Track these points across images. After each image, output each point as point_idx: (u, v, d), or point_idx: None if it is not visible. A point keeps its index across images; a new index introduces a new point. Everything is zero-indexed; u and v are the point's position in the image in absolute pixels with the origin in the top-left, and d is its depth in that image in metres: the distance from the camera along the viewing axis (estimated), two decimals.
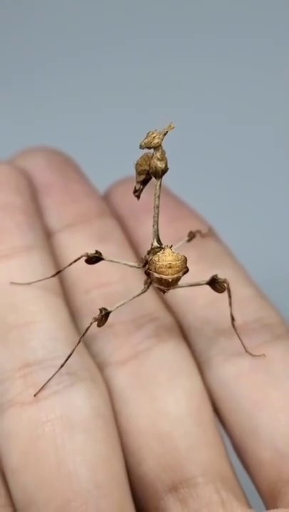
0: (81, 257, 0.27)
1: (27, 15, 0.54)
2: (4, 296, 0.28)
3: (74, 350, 0.26)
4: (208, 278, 0.27)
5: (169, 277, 0.25)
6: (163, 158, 0.25)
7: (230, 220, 0.41)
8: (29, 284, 0.28)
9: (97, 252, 0.27)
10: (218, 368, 0.28)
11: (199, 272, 0.29)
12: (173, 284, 0.25)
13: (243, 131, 0.51)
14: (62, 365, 0.26)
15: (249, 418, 0.27)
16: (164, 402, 0.27)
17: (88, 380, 0.26)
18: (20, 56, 0.54)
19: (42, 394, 0.25)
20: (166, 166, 0.26)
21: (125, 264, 0.27)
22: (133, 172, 0.27)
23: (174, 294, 0.30)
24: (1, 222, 0.30)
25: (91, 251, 0.27)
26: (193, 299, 0.30)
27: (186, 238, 0.29)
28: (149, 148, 0.25)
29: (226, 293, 0.27)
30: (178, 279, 0.25)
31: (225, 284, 0.27)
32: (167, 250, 0.25)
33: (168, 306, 0.30)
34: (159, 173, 0.26)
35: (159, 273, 0.25)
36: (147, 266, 0.26)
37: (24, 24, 0.54)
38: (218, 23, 0.54)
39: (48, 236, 0.31)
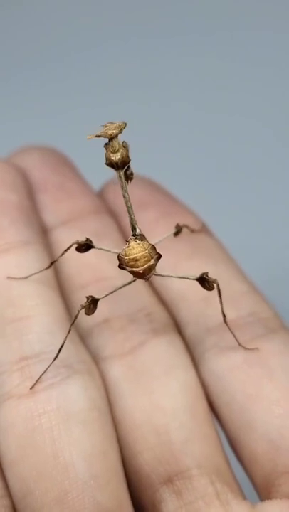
0: (72, 244, 0.27)
1: (23, 14, 0.54)
2: (1, 291, 0.28)
3: (66, 339, 0.26)
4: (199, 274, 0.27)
5: (140, 269, 0.25)
6: (117, 151, 0.25)
7: (225, 217, 0.41)
8: (25, 278, 0.28)
9: (87, 239, 0.27)
10: (212, 361, 0.28)
11: (193, 267, 0.30)
12: (147, 273, 0.26)
13: (239, 129, 0.51)
14: (56, 356, 0.26)
15: (243, 411, 0.27)
16: (160, 395, 0.27)
17: (84, 372, 0.27)
18: (16, 55, 0.54)
19: (39, 386, 0.26)
20: (122, 158, 0.25)
21: (115, 252, 0.28)
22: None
23: (169, 290, 0.30)
24: None
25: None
26: (188, 294, 0.30)
27: (173, 231, 0.29)
28: (106, 137, 0.25)
29: (221, 289, 0.28)
30: (150, 267, 0.26)
31: (214, 284, 0.27)
32: (132, 243, 0.25)
33: (163, 301, 0.30)
34: (115, 166, 0.26)
35: (129, 267, 0.25)
36: (118, 261, 0.26)
37: (18, 23, 0.54)
38: (218, 23, 0.54)
39: (44, 232, 0.31)
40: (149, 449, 0.26)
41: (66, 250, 0.28)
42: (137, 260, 0.25)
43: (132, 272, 0.26)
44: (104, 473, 0.25)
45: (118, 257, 0.26)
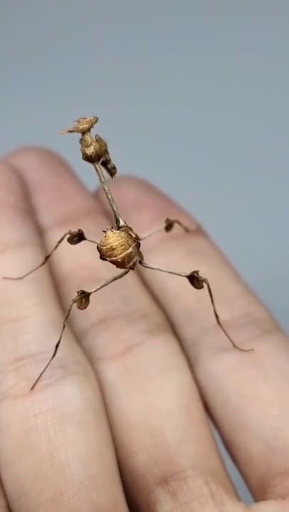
0: (65, 235, 0.28)
1: (23, 14, 0.54)
2: None
3: (61, 335, 0.26)
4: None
5: (118, 258, 0.25)
6: (90, 145, 0.26)
7: (223, 218, 0.41)
8: (21, 278, 0.28)
9: (80, 230, 0.28)
10: (207, 362, 0.28)
11: (187, 267, 0.30)
12: (127, 262, 0.26)
13: (238, 129, 0.51)
14: (54, 354, 0.26)
15: (238, 412, 0.27)
16: (155, 396, 0.27)
17: (80, 373, 0.27)
18: (14, 56, 0.54)
19: (34, 386, 0.26)
20: (95, 151, 0.26)
21: None
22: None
23: (164, 291, 0.30)
24: None
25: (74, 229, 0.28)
26: (183, 295, 0.30)
27: (164, 225, 0.29)
28: (79, 132, 0.26)
29: (217, 290, 0.28)
30: (129, 255, 0.26)
31: (204, 283, 0.27)
32: (108, 233, 0.26)
33: (158, 303, 0.30)
34: (90, 159, 0.26)
35: (108, 257, 0.26)
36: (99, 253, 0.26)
37: (17, 24, 0.54)
38: (218, 22, 0.54)
39: (40, 233, 0.31)
40: (144, 449, 0.26)
41: (60, 242, 0.28)
42: (113, 249, 0.25)
43: (112, 262, 0.26)
44: (99, 473, 0.25)
45: (97, 247, 0.26)
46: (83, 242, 0.28)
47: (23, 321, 0.27)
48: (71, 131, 0.26)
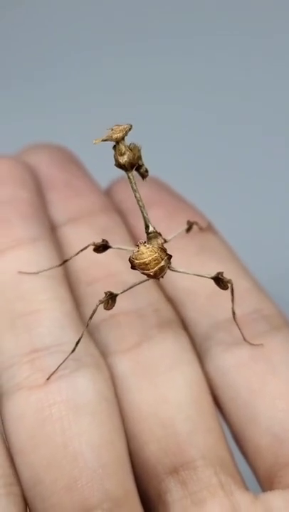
0: (88, 246, 0.28)
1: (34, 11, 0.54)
2: (12, 285, 0.29)
3: (83, 334, 0.27)
4: (208, 270, 0.28)
5: (151, 272, 0.26)
6: (123, 154, 0.26)
7: (231, 215, 0.41)
8: (37, 273, 0.29)
9: (103, 240, 0.28)
10: (218, 357, 0.29)
11: (199, 264, 0.30)
12: (158, 274, 0.26)
13: (245, 127, 0.52)
14: (73, 350, 0.27)
15: (248, 405, 0.28)
16: (166, 389, 0.28)
17: (93, 365, 0.27)
18: (26, 54, 0.54)
19: (48, 378, 0.26)
20: (129, 160, 0.26)
21: (132, 250, 0.28)
22: None
23: (175, 287, 0.31)
24: (8, 214, 0.31)
25: (98, 240, 0.28)
26: (193, 291, 0.31)
27: (185, 227, 0.30)
28: (112, 141, 0.26)
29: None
30: (161, 268, 0.26)
31: (229, 284, 0.28)
32: (141, 248, 0.26)
33: (169, 298, 0.31)
34: (123, 167, 0.26)
35: (141, 270, 0.26)
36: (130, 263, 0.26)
37: (38, 21, 0.55)
38: (218, 22, 0.55)
39: (52, 229, 0.32)
40: (155, 440, 0.27)
41: (82, 250, 0.28)
42: (147, 264, 0.26)
43: (143, 274, 0.26)
44: (112, 462, 0.25)
45: (129, 259, 0.26)
46: (96, 239, 0.29)
47: (38, 314, 0.28)
48: (105, 140, 0.26)
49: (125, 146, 0.26)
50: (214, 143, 0.51)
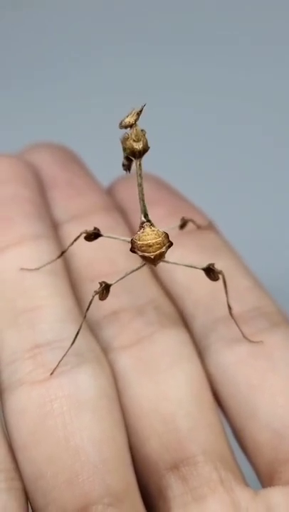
0: (81, 234, 0.28)
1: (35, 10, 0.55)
2: (14, 282, 0.29)
3: (82, 324, 0.27)
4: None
5: (152, 255, 0.26)
6: (139, 139, 0.26)
7: (232, 212, 0.42)
8: (37, 269, 0.29)
9: (95, 228, 0.28)
10: (218, 354, 0.29)
11: (199, 261, 0.31)
12: (157, 259, 0.26)
13: (242, 128, 0.52)
14: (72, 343, 0.27)
15: (247, 402, 0.28)
16: (166, 384, 0.28)
17: (94, 361, 0.27)
18: (26, 53, 0.55)
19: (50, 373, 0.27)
20: (144, 146, 0.26)
21: (123, 240, 0.28)
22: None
23: (175, 283, 0.31)
24: (10, 212, 0.31)
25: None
26: (193, 288, 0.31)
27: (179, 223, 0.30)
28: (125, 128, 0.26)
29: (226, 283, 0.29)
30: (161, 254, 0.26)
31: (219, 275, 0.28)
32: (147, 229, 0.26)
33: (169, 295, 0.31)
34: (136, 154, 0.26)
35: (142, 252, 0.26)
36: (131, 245, 0.26)
37: (41, 22, 0.55)
38: (218, 22, 0.55)
39: (54, 227, 0.32)
40: (156, 436, 0.27)
41: (75, 240, 0.29)
42: (150, 246, 0.26)
43: (142, 257, 0.26)
44: (113, 457, 0.26)
45: (131, 240, 0.26)
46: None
47: (40, 310, 0.28)
48: (126, 127, 0.25)
49: (140, 132, 0.26)
50: (214, 143, 0.51)
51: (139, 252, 0.26)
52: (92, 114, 0.49)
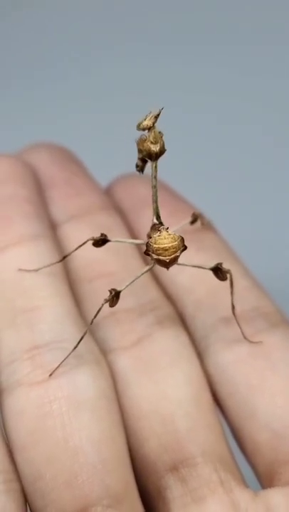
0: (87, 240, 0.28)
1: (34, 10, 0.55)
2: (13, 282, 0.29)
3: (86, 332, 0.27)
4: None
5: (167, 258, 0.26)
6: (156, 142, 0.26)
7: (231, 215, 0.41)
8: (37, 270, 0.29)
9: (102, 234, 0.28)
10: (217, 354, 0.29)
11: (198, 262, 0.31)
12: (171, 263, 0.26)
13: (241, 128, 0.52)
14: (76, 347, 0.27)
15: (247, 402, 0.28)
16: (165, 385, 0.28)
17: (93, 362, 0.27)
18: (26, 53, 0.55)
19: (48, 374, 0.26)
20: (160, 148, 0.26)
21: (131, 242, 0.28)
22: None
23: (174, 284, 0.31)
24: (9, 212, 0.31)
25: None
26: (193, 289, 0.31)
27: (190, 219, 0.30)
28: (143, 130, 0.26)
29: (226, 283, 0.29)
30: (176, 258, 0.26)
31: (227, 275, 0.28)
32: (163, 233, 0.26)
33: (168, 296, 0.31)
34: (153, 156, 0.26)
35: (157, 255, 0.26)
36: (146, 248, 0.26)
37: (35, 23, 0.55)
38: (218, 22, 0.55)
39: (53, 227, 0.32)
40: (155, 437, 0.27)
41: (81, 245, 0.28)
42: (166, 250, 0.26)
43: (157, 260, 0.26)
44: (112, 458, 0.25)
45: (146, 243, 0.26)
46: (96, 234, 0.29)
47: (39, 310, 0.28)
48: (144, 129, 0.25)
49: (158, 134, 0.26)
50: (214, 143, 0.51)
51: (154, 255, 0.26)
52: (91, 114, 0.49)
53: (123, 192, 0.35)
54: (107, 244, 0.30)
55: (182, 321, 0.31)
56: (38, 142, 0.36)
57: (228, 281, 0.28)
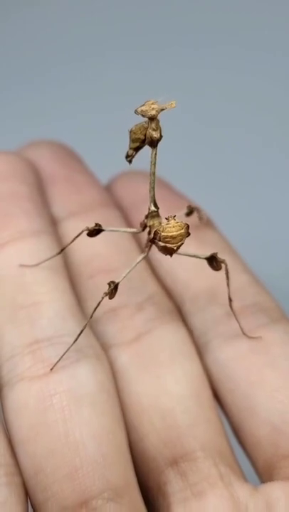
0: (82, 231, 0.28)
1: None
2: (14, 278, 0.29)
3: (86, 325, 0.27)
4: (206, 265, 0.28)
5: (174, 246, 0.26)
6: (158, 128, 0.26)
7: (231, 211, 0.42)
8: (37, 265, 0.29)
9: (96, 224, 0.28)
10: (217, 350, 0.29)
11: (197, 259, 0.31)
12: (175, 251, 0.27)
13: (241, 128, 0.52)
14: (75, 340, 0.27)
15: (246, 397, 0.28)
16: (165, 380, 0.28)
17: (93, 357, 0.27)
18: (26, 54, 0.55)
19: (49, 369, 0.27)
20: (160, 135, 0.27)
21: (124, 231, 0.28)
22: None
23: (174, 280, 0.31)
24: (9, 208, 0.31)
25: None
26: (192, 284, 0.31)
27: (185, 211, 0.30)
28: (144, 117, 0.26)
29: (224, 278, 0.29)
30: (180, 246, 0.27)
31: (222, 264, 0.28)
32: (172, 222, 0.26)
33: (168, 291, 0.31)
34: (155, 143, 0.27)
35: (164, 243, 0.26)
36: (151, 236, 0.27)
37: (27, 20, 0.55)
38: (218, 22, 0.55)
39: (54, 223, 0.32)
40: (155, 432, 0.27)
41: (76, 237, 0.29)
42: (173, 238, 0.26)
43: (164, 247, 0.26)
44: (112, 452, 0.26)
45: (155, 231, 0.26)
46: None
47: (39, 306, 0.28)
48: (143, 115, 0.26)
49: (158, 122, 0.26)
50: (214, 143, 0.51)
51: (161, 242, 0.26)
52: (91, 112, 0.50)
53: (124, 189, 0.35)
54: (107, 240, 0.30)
55: (182, 316, 0.31)
56: (38, 139, 0.36)
57: (227, 281, 0.28)
